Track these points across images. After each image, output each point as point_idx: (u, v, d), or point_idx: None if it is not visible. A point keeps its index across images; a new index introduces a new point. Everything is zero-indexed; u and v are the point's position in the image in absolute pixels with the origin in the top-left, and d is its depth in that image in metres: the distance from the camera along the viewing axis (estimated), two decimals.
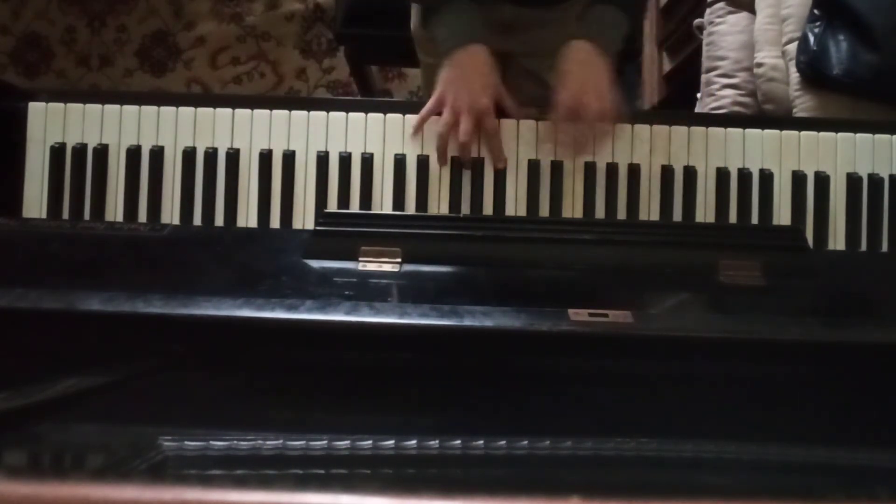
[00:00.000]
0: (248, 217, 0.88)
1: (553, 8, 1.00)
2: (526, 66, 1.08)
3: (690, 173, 0.88)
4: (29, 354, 0.55)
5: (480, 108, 0.86)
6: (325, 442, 0.47)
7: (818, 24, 1.11)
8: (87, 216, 0.88)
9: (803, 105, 1.12)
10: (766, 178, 0.88)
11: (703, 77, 1.32)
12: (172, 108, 0.90)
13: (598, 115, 0.86)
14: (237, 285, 0.66)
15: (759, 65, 1.19)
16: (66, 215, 0.88)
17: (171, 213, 0.88)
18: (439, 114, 0.88)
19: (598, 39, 0.88)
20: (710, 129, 0.90)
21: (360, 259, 0.68)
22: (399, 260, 0.68)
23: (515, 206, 0.88)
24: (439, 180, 0.89)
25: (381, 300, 0.61)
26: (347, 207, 0.88)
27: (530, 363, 0.60)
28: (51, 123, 0.89)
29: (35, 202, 0.89)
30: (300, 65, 2.09)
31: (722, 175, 0.89)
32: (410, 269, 0.68)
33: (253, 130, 0.89)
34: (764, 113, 1.19)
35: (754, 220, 0.88)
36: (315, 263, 0.69)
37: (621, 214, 0.88)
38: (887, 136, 0.90)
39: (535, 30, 0.97)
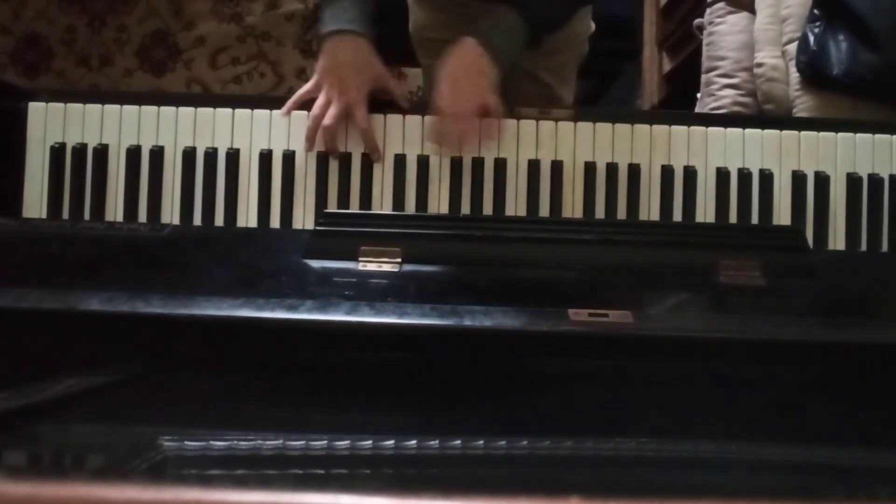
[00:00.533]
0: (248, 217, 0.88)
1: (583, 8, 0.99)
2: (522, 66, 1.08)
3: (690, 173, 0.88)
4: (29, 354, 0.55)
5: (350, 99, 0.87)
6: (325, 442, 0.47)
7: (818, 24, 1.11)
8: (87, 216, 0.88)
9: (803, 105, 1.13)
10: (766, 178, 0.88)
11: (703, 77, 1.32)
12: (172, 108, 0.90)
13: (474, 113, 0.86)
14: (237, 285, 0.66)
15: (759, 65, 1.19)
16: (66, 215, 0.88)
17: (171, 213, 0.88)
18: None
19: (488, 42, 0.87)
20: (710, 129, 0.90)
21: (360, 259, 0.68)
22: (399, 260, 0.68)
23: (515, 206, 0.88)
24: (439, 180, 0.89)
25: (381, 300, 0.60)
26: (347, 207, 0.88)
27: (530, 363, 0.60)
28: (51, 123, 0.90)
29: (35, 202, 0.89)
30: (300, 65, 2.09)
31: (722, 175, 0.89)
32: (410, 269, 0.68)
33: (253, 130, 0.89)
34: (764, 113, 1.19)
35: (754, 220, 0.88)
36: (315, 263, 0.69)
37: (621, 214, 0.88)
38: (887, 136, 0.90)
39: None
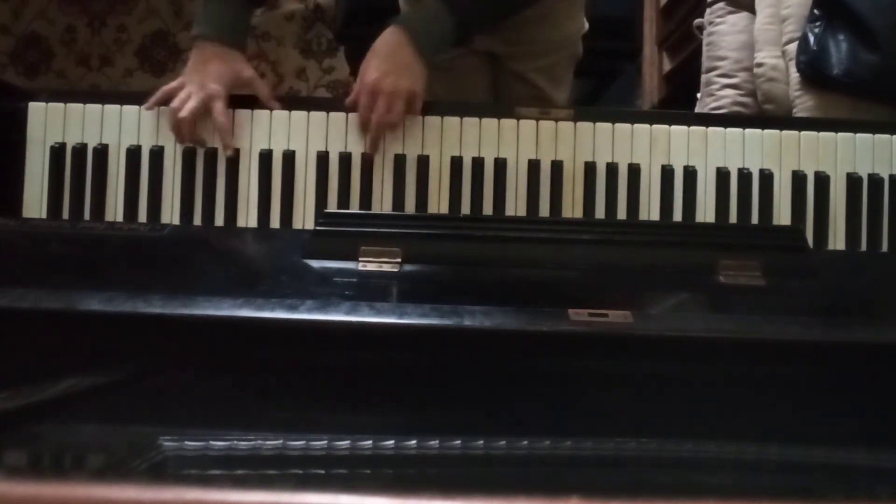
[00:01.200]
0: (248, 217, 0.88)
1: (532, 6, 0.99)
2: (512, 69, 1.08)
3: (690, 173, 0.88)
4: (29, 354, 0.55)
5: (209, 91, 0.88)
6: (325, 442, 0.47)
7: (818, 24, 1.11)
8: (87, 216, 0.88)
9: (803, 105, 1.12)
10: (766, 178, 0.88)
11: (703, 77, 1.32)
12: None
13: (392, 98, 0.86)
14: (237, 285, 0.66)
15: (759, 65, 1.19)
16: (66, 215, 0.88)
17: (171, 213, 0.88)
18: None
19: (411, 31, 0.88)
20: (710, 129, 0.90)
21: (360, 259, 0.68)
22: (399, 260, 0.68)
23: (515, 206, 0.88)
24: (439, 180, 0.89)
25: (381, 300, 0.60)
26: (347, 207, 0.88)
27: (530, 363, 0.60)
28: (51, 123, 0.90)
29: (35, 202, 0.89)
30: (300, 65, 2.09)
31: (722, 175, 0.89)
32: (410, 269, 0.68)
33: (253, 130, 0.89)
34: (764, 113, 1.19)
35: (754, 220, 0.88)
36: (315, 263, 0.69)
37: (621, 214, 0.88)
38: (887, 136, 0.90)
39: (516, 30, 0.97)
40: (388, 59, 0.88)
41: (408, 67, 0.88)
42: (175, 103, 0.88)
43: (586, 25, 1.12)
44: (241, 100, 0.91)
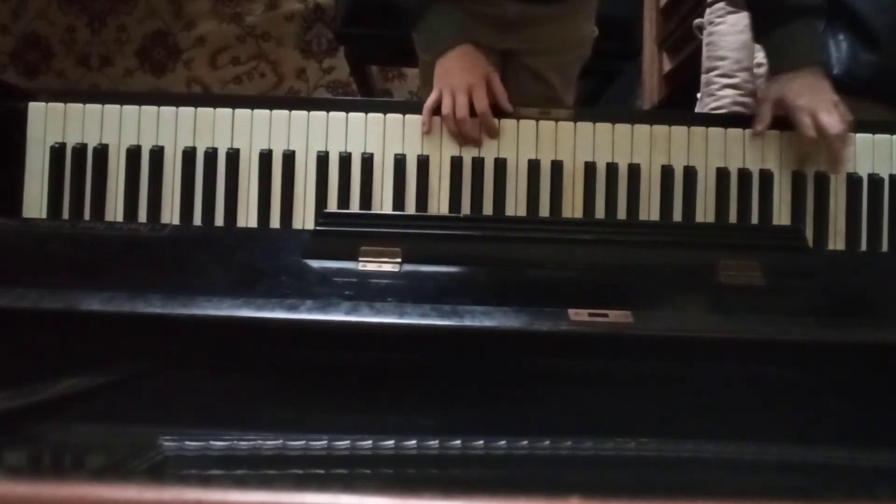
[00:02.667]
0: (248, 217, 0.88)
1: (555, 5, 1.00)
2: (527, 65, 1.09)
3: (690, 173, 0.88)
4: (29, 354, 0.55)
5: (471, 83, 0.89)
6: (325, 442, 0.47)
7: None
8: (87, 216, 0.88)
9: None
10: (766, 178, 0.88)
11: (703, 77, 1.32)
12: (172, 108, 0.90)
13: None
14: (237, 285, 0.66)
15: (760, 65, 1.19)
16: (66, 215, 0.88)
17: (171, 213, 0.88)
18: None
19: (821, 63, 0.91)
20: (710, 129, 0.90)
21: (360, 259, 0.68)
22: (399, 260, 0.68)
23: (515, 206, 0.88)
24: (439, 180, 0.89)
25: (381, 300, 0.60)
26: (347, 207, 0.88)
27: (530, 363, 0.60)
28: (51, 123, 0.90)
29: (35, 202, 0.89)
30: (300, 65, 2.09)
31: (722, 175, 0.89)
32: (410, 269, 0.68)
33: (253, 130, 0.89)
34: None
35: (754, 220, 0.88)
36: (315, 263, 0.69)
37: (621, 214, 0.88)
38: (887, 136, 0.90)
39: (536, 27, 0.98)
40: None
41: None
42: (446, 111, 0.89)
43: (596, 31, 1.13)
44: (241, 100, 0.91)
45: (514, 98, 0.91)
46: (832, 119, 0.86)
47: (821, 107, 0.86)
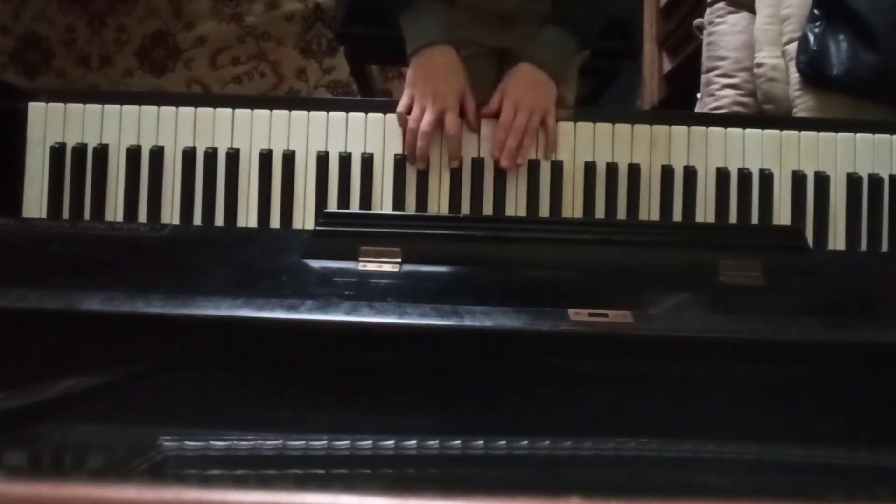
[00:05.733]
0: (248, 217, 0.88)
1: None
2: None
3: (690, 173, 0.88)
4: (29, 354, 0.55)
5: (445, 104, 0.87)
6: (325, 442, 0.47)
7: (818, 24, 1.11)
8: (87, 216, 0.88)
9: (803, 105, 1.12)
10: (766, 178, 0.88)
11: (703, 77, 1.32)
12: (172, 108, 0.90)
13: (526, 130, 0.88)
14: (237, 285, 0.66)
15: (759, 65, 1.19)
16: (66, 215, 0.88)
17: (171, 213, 0.88)
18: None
19: (545, 64, 0.91)
20: (710, 129, 0.90)
21: (360, 259, 0.68)
22: (399, 260, 0.68)
23: (515, 206, 0.88)
24: (439, 180, 0.89)
25: (381, 300, 0.60)
26: (347, 207, 0.88)
27: (530, 363, 0.60)
28: (51, 123, 0.90)
29: (35, 202, 0.89)
30: (300, 65, 2.09)
31: (722, 175, 0.89)
32: (410, 269, 0.68)
33: (253, 130, 0.89)
34: (764, 113, 1.19)
35: (754, 220, 0.88)
36: (315, 263, 0.69)
37: (621, 214, 0.88)
38: (887, 136, 0.90)
39: (534, 23, 0.97)
40: (529, 95, 0.90)
41: (547, 94, 0.90)
42: (411, 124, 0.88)
43: None
44: (241, 100, 0.91)
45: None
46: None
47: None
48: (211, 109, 0.90)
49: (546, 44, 0.93)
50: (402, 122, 0.89)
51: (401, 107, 0.89)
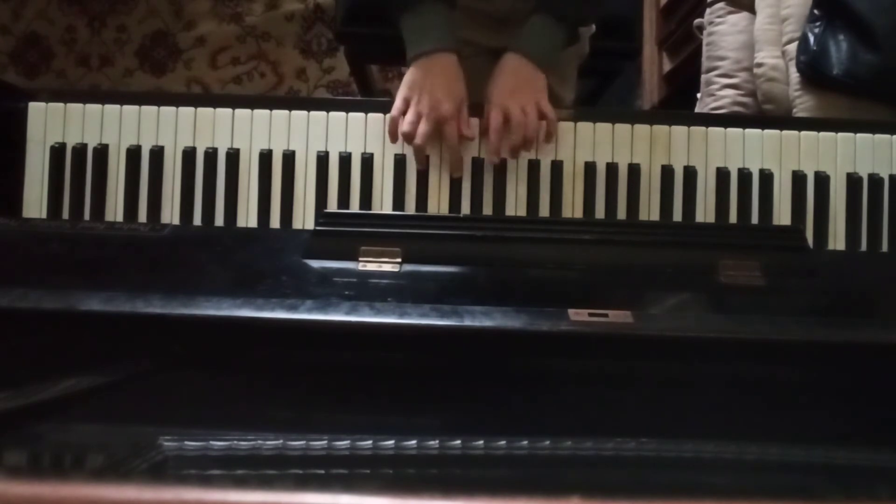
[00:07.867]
0: (248, 217, 0.88)
1: None
2: None
3: (690, 173, 0.88)
4: (29, 354, 0.55)
5: (442, 113, 0.86)
6: (325, 442, 0.47)
7: (818, 24, 1.11)
8: (87, 216, 0.88)
9: (803, 105, 1.12)
10: (766, 178, 0.88)
11: (703, 77, 1.32)
12: (172, 108, 0.90)
13: (526, 123, 0.86)
14: (237, 285, 0.66)
15: (759, 65, 1.19)
16: (66, 215, 0.88)
17: (171, 213, 0.88)
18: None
19: (528, 53, 0.89)
20: (710, 129, 0.90)
21: (360, 259, 0.68)
22: (399, 260, 0.68)
23: (515, 206, 0.88)
24: (439, 180, 0.89)
25: (381, 300, 0.60)
26: (347, 207, 0.88)
27: (530, 363, 0.60)
28: (51, 123, 0.90)
29: (35, 202, 0.89)
30: (300, 65, 2.09)
31: (722, 175, 0.89)
32: (410, 269, 0.68)
33: (253, 130, 0.89)
34: (764, 113, 1.19)
35: (754, 220, 0.88)
36: (315, 263, 0.69)
37: (621, 214, 0.88)
38: (887, 136, 0.90)
39: None
40: (519, 89, 0.88)
41: (537, 87, 0.89)
42: (405, 128, 0.86)
43: (594, 27, 1.12)
44: (241, 100, 0.91)
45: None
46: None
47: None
48: (211, 109, 0.90)
49: (532, 34, 0.91)
50: (395, 128, 0.87)
51: (395, 111, 0.87)
